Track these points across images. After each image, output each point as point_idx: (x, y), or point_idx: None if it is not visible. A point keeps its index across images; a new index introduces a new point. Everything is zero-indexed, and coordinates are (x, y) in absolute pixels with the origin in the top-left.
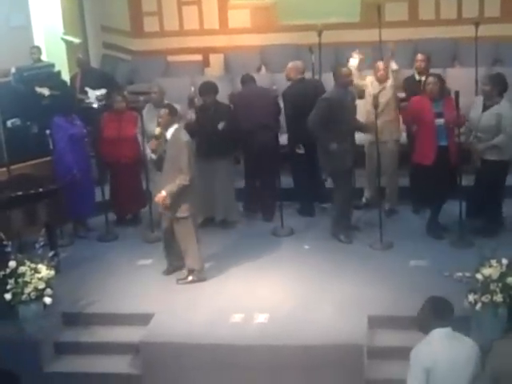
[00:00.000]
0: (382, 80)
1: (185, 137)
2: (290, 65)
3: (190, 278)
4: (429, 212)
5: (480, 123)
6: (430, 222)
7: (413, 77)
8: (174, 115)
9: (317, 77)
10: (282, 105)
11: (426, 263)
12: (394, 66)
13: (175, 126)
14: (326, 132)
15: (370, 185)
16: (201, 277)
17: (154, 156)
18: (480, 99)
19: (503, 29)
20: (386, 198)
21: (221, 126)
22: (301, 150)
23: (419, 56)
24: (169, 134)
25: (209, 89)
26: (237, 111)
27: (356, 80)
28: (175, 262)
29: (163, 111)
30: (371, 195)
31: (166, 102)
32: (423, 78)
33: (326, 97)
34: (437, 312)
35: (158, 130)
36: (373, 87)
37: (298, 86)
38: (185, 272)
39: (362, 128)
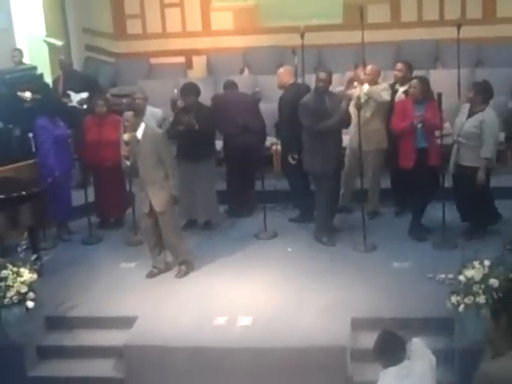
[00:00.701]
0: (368, 82)
1: (158, 130)
2: (283, 70)
3: (184, 268)
4: (411, 214)
5: (463, 129)
6: (412, 224)
7: (393, 86)
8: (139, 115)
9: (300, 79)
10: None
11: (409, 265)
12: (365, 88)
13: (143, 125)
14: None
15: (346, 189)
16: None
17: (128, 162)
18: (467, 107)
19: (485, 30)
20: (367, 200)
21: (191, 120)
22: (294, 161)
23: (398, 65)
24: (139, 134)
25: (190, 90)
26: (218, 113)
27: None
28: (160, 265)
29: (128, 114)
30: (345, 199)
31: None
32: (401, 89)
33: (303, 101)
34: (386, 351)
35: (127, 136)
36: (360, 91)
37: (293, 90)
38: (177, 267)
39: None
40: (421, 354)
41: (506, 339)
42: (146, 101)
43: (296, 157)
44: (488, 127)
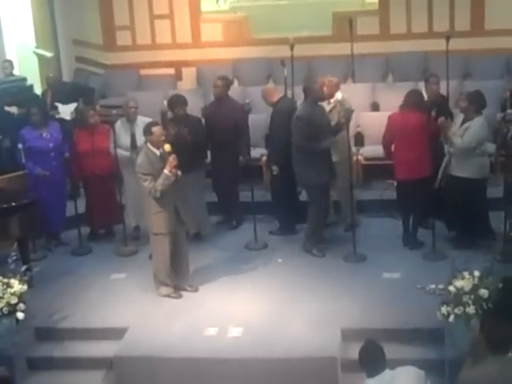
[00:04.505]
0: (328, 96)
1: None
2: (270, 87)
3: (163, 291)
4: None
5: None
6: (412, 233)
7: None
8: None
9: (289, 90)
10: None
11: (399, 276)
12: (338, 95)
13: None
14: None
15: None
16: (173, 295)
17: (173, 177)
18: (461, 116)
19: (473, 43)
20: (342, 213)
21: (186, 135)
22: (275, 172)
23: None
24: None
25: (179, 102)
26: (208, 124)
27: None
28: (178, 282)
29: (161, 128)
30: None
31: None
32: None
33: (300, 115)
34: (364, 362)
35: (168, 147)
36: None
37: (285, 102)
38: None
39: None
40: (406, 369)
41: (488, 344)
42: (137, 110)
43: (276, 169)
44: (470, 133)
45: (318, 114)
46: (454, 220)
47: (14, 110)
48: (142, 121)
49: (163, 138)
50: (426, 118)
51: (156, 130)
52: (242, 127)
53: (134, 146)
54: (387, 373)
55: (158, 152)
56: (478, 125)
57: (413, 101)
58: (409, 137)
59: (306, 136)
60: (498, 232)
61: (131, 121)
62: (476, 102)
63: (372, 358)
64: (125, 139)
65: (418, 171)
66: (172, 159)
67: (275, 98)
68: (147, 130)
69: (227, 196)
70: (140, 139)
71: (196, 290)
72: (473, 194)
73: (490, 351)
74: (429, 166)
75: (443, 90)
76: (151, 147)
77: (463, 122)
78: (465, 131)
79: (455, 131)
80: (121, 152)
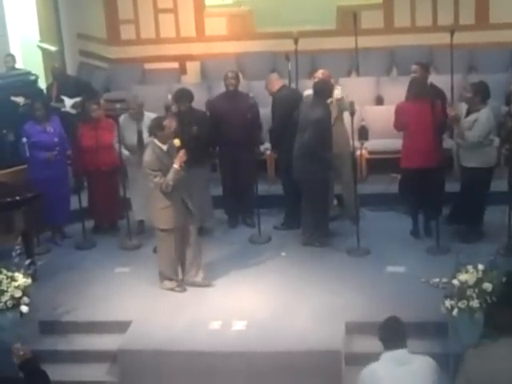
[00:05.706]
0: None
1: None
2: (272, 76)
3: (167, 285)
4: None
5: (458, 130)
6: (426, 222)
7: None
8: None
9: (293, 84)
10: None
11: (402, 269)
12: (338, 94)
13: None
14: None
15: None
16: (177, 289)
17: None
18: (465, 106)
19: (478, 36)
20: (344, 207)
21: (194, 130)
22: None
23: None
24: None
25: (184, 96)
26: (214, 118)
27: None
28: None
29: (173, 121)
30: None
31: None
32: None
33: (322, 118)
34: (386, 334)
35: (178, 142)
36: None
37: (285, 91)
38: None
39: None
40: (422, 357)
41: (494, 328)
42: (142, 107)
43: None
44: (479, 126)
45: (330, 114)
46: (462, 211)
47: (20, 99)
48: (148, 117)
49: (172, 130)
50: (438, 105)
51: (167, 123)
52: (258, 119)
53: (140, 142)
54: (405, 352)
55: (164, 147)
56: (485, 118)
57: (422, 90)
58: (424, 126)
59: (320, 138)
60: (502, 226)
61: (138, 118)
62: (481, 92)
63: (393, 333)
64: (130, 136)
65: (433, 159)
66: (182, 154)
67: (276, 88)
68: (157, 126)
69: (244, 192)
70: (147, 135)
71: (209, 285)
72: (478, 183)
73: (496, 334)
74: (441, 154)
75: (447, 84)
76: (158, 143)
77: (468, 113)
78: (473, 124)
79: (463, 123)
80: (123, 152)
